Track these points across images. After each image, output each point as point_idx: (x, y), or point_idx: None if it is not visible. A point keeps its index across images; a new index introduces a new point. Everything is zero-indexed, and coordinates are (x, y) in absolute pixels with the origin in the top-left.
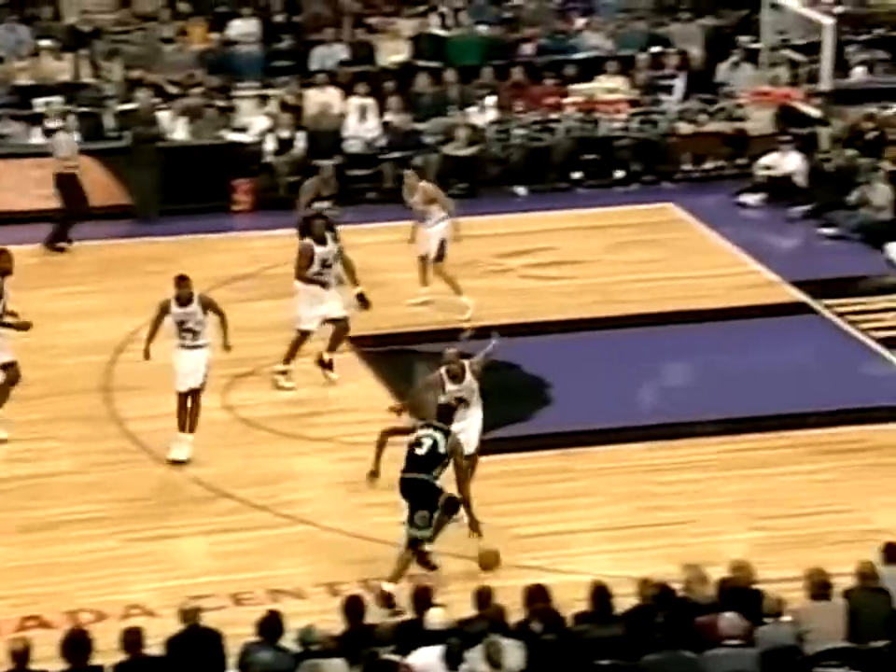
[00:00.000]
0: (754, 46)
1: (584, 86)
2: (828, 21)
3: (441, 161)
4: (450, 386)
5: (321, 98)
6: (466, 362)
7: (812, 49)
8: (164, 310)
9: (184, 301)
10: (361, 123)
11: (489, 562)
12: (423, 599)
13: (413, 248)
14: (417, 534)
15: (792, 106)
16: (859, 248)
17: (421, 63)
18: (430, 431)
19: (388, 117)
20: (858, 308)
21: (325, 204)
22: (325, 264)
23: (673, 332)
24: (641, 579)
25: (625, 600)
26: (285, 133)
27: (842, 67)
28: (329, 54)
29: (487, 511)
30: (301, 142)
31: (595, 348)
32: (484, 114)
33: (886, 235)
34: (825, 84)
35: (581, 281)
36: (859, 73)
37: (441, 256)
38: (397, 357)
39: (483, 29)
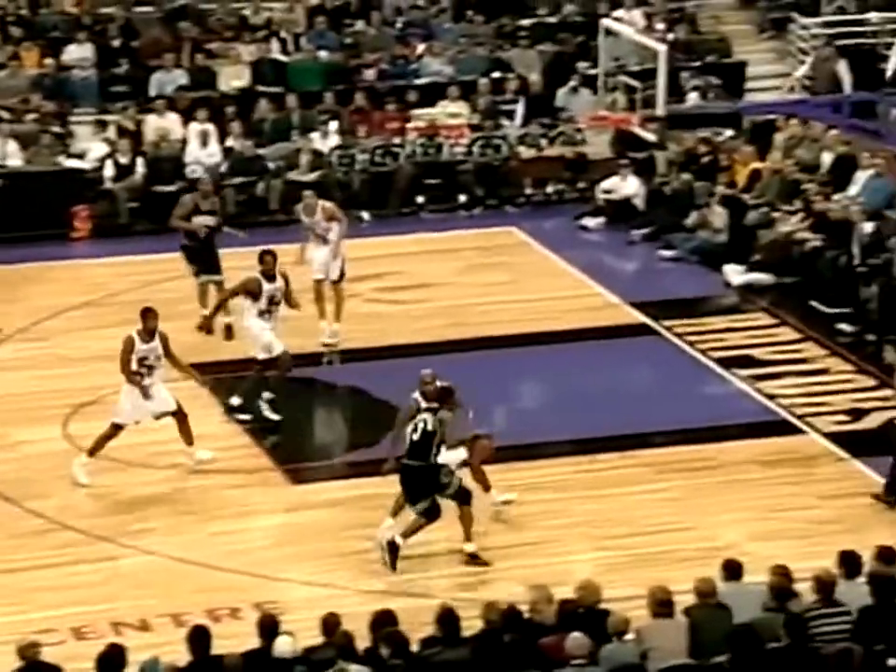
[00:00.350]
0: (592, 71)
1: (426, 111)
2: (661, 48)
3: (284, 187)
4: (424, 405)
5: (161, 124)
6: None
7: (647, 75)
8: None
9: (148, 336)
10: (202, 149)
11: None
12: (269, 627)
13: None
14: (452, 490)
15: (630, 131)
16: (697, 270)
17: (262, 88)
18: (424, 415)
19: (230, 142)
20: (697, 329)
21: (207, 220)
22: (272, 301)
23: (521, 354)
24: (487, 602)
25: (474, 623)
26: (124, 160)
27: (676, 93)
28: (168, 79)
29: (339, 535)
30: (140, 168)
31: (443, 371)
32: (327, 139)
33: (722, 257)
34: (660, 109)
35: (429, 304)
36: (692, 98)
37: (343, 275)
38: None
39: (323, 54)
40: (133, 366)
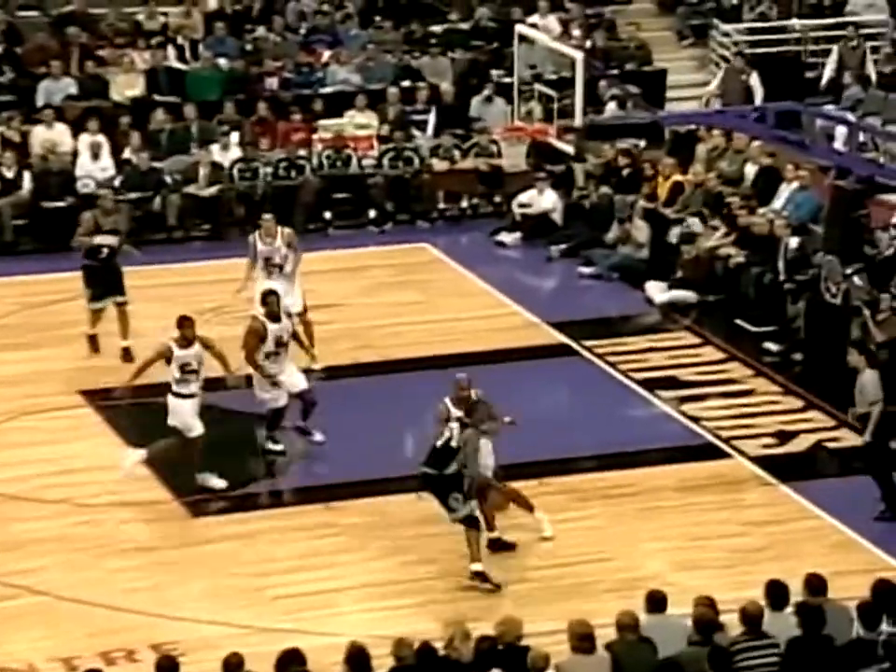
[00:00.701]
0: (506, 80)
1: (333, 122)
2: (578, 56)
3: (183, 202)
4: (454, 412)
5: (48, 135)
6: (475, 392)
7: (564, 84)
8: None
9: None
10: (94, 162)
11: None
12: (168, 670)
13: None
14: (461, 515)
15: (546, 142)
16: (617, 287)
17: (158, 97)
18: (454, 425)
19: (125, 155)
20: (618, 349)
21: (108, 240)
22: (279, 342)
23: (434, 378)
24: (398, 638)
25: (386, 662)
26: (9, 174)
27: (595, 102)
28: (56, 88)
29: (242, 571)
30: (27, 182)
31: (352, 396)
32: (227, 152)
33: (644, 274)
34: (578, 120)
35: (336, 326)
36: (611, 108)
37: (305, 307)
38: (137, 411)
39: (223, 62)
40: (177, 373)
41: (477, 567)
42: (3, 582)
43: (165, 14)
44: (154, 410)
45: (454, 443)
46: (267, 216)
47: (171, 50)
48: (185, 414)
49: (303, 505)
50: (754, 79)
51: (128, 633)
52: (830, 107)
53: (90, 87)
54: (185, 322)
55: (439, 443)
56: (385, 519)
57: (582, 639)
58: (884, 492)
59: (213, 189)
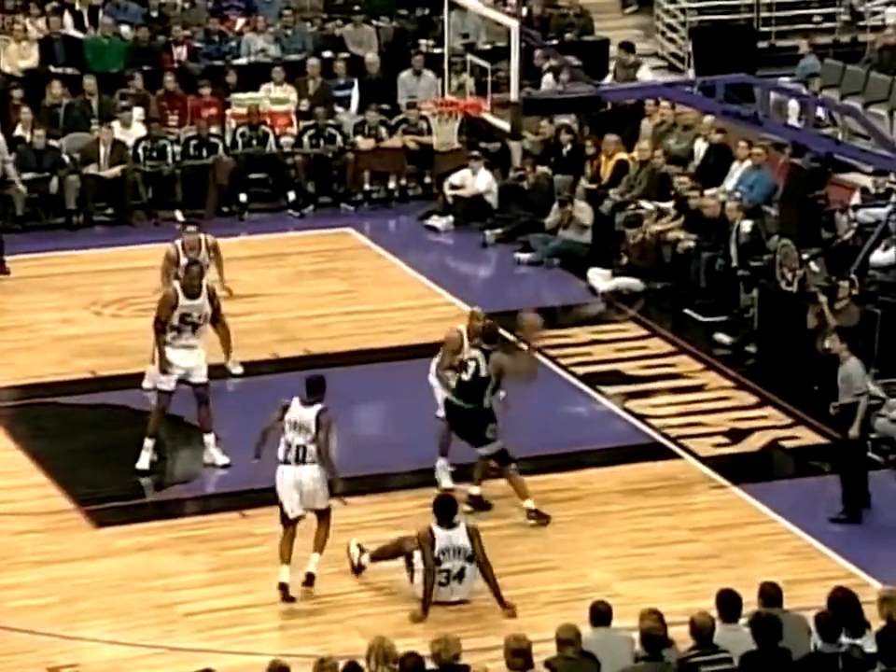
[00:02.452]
0: (436, 51)
1: (248, 96)
2: (514, 24)
3: (83, 184)
4: (468, 346)
5: None
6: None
7: (499, 55)
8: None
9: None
10: None
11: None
12: None
13: None
14: (496, 449)
15: (480, 118)
16: (558, 275)
17: (54, 69)
18: (475, 353)
19: (18, 132)
20: (558, 342)
21: None
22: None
23: (359, 373)
24: (321, 658)
25: None
26: None
27: (532, 75)
28: None
29: (151, 585)
30: None
31: (273, 393)
32: (131, 129)
33: (586, 260)
34: (514, 94)
35: (254, 318)
36: (548, 80)
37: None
38: (35, 411)
39: (125, 30)
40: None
41: (529, 503)
42: None
43: None
44: (46, 411)
45: (483, 373)
46: (191, 228)
47: (67, 17)
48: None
49: (215, 514)
50: (645, 73)
51: (23, 655)
52: (784, 80)
53: None
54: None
55: (466, 377)
56: (303, 528)
57: (517, 655)
58: (846, 492)
59: (116, 170)
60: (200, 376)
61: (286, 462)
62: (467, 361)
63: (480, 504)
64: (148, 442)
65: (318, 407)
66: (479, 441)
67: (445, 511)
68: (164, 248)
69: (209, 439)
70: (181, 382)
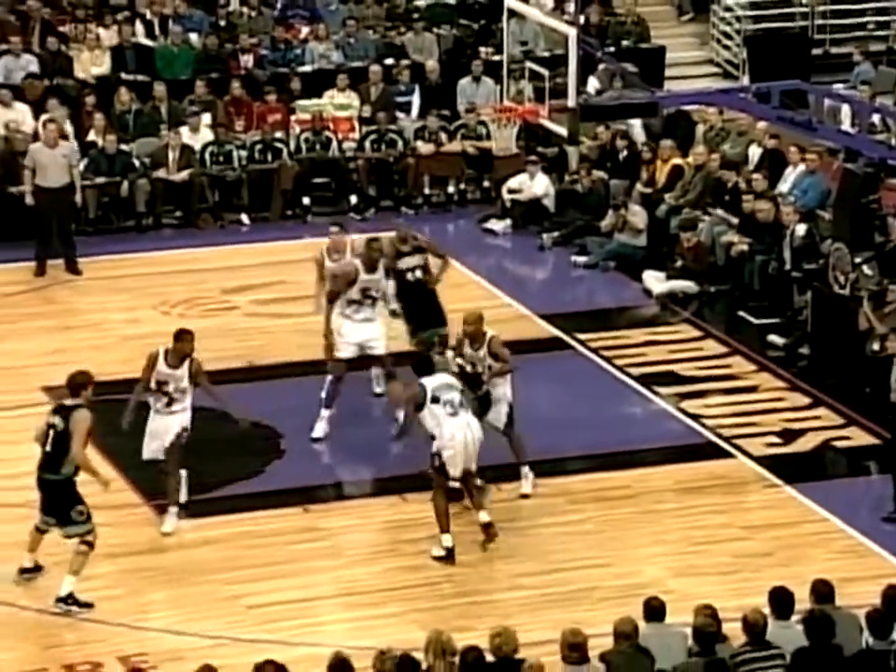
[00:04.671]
0: (495, 58)
1: (312, 102)
2: (572, 32)
3: (152, 187)
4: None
5: (8, 116)
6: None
7: (557, 62)
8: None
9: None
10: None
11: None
12: None
13: None
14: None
15: (538, 124)
16: (613, 278)
17: (125, 76)
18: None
19: (91, 137)
20: (614, 343)
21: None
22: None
23: None
24: (379, 650)
25: None
26: None
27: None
28: (16, 66)
29: (217, 578)
30: None
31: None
32: (199, 134)
33: (641, 263)
34: (572, 100)
35: (314, 318)
36: (595, 87)
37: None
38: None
39: (194, 38)
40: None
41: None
42: None
43: None
44: (115, 408)
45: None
46: (333, 227)
47: (139, 26)
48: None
49: (280, 508)
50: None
51: (94, 644)
52: (838, 86)
53: (52, 64)
54: (183, 336)
55: (480, 393)
56: (365, 523)
57: (573, 649)
58: None
59: (184, 174)
60: (379, 348)
61: None
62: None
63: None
64: (325, 412)
65: None
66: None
67: (423, 369)
68: (227, 251)
69: (400, 415)
70: (362, 357)
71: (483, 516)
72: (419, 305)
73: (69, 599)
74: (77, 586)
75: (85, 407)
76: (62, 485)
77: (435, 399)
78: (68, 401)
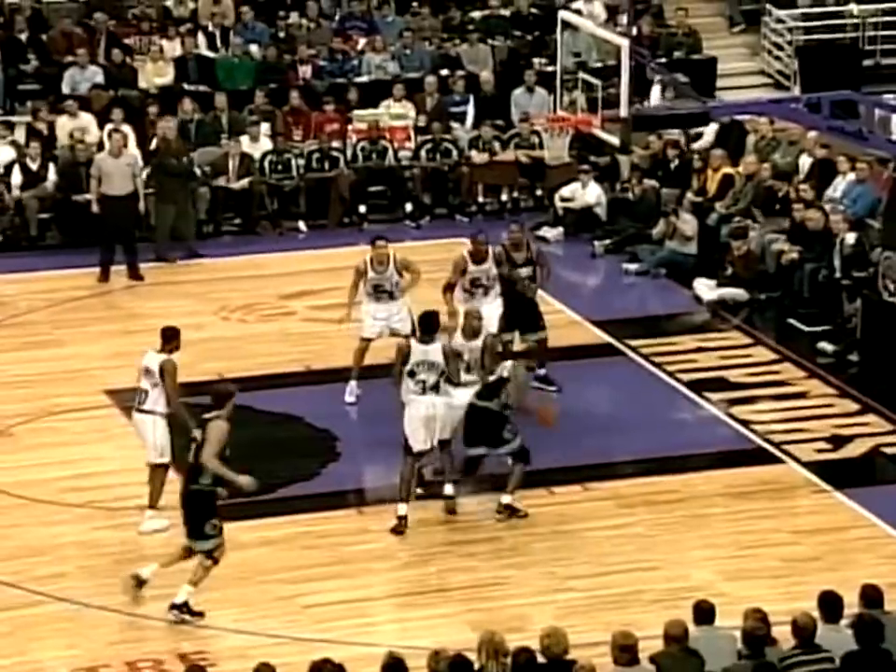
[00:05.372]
0: (549, 69)
1: (368, 112)
2: (624, 43)
3: (213, 195)
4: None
5: (74, 125)
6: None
7: (609, 73)
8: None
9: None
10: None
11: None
12: None
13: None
14: (516, 446)
15: (590, 133)
16: (664, 285)
17: (187, 86)
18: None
19: (154, 145)
20: (665, 349)
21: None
22: (475, 283)
23: None
24: (433, 650)
25: None
26: (33, 165)
27: (641, 92)
28: (82, 77)
29: (274, 578)
30: (52, 174)
31: (385, 397)
32: (258, 143)
33: (692, 271)
34: (624, 110)
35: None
36: (655, 94)
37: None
38: None
39: (255, 49)
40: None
41: (507, 499)
42: (25, 588)
43: (195, 0)
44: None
45: (505, 374)
46: (380, 241)
47: (201, 38)
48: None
49: (334, 510)
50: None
51: (154, 642)
52: (889, 97)
53: (117, 75)
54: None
55: (492, 378)
56: (417, 525)
57: (624, 650)
58: None
59: (243, 182)
60: (492, 326)
61: None
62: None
63: (513, 511)
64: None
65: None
66: (497, 445)
67: (427, 326)
68: (286, 257)
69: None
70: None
71: (505, 497)
72: (520, 310)
73: (183, 608)
74: (194, 598)
75: (222, 418)
76: (201, 496)
77: (412, 374)
78: (208, 415)
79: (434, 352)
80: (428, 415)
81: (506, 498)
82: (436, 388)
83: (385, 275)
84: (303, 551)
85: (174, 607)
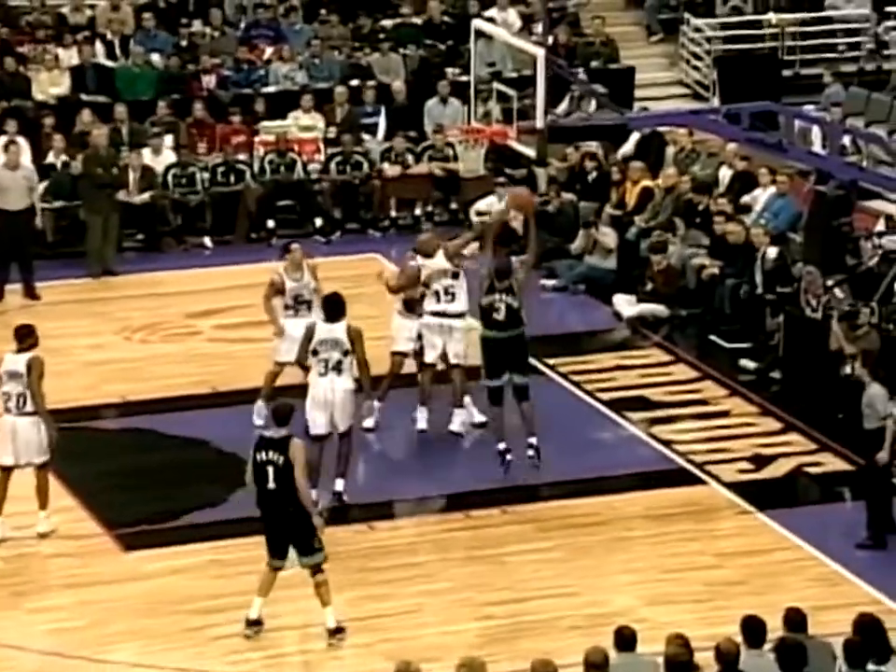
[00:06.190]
0: (463, 79)
1: (276, 123)
2: (540, 53)
3: (118, 209)
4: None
5: None
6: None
7: (524, 83)
8: None
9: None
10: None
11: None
12: None
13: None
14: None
15: (506, 145)
16: (583, 301)
17: (85, 97)
18: (500, 296)
19: (49, 159)
20: (584, 367)
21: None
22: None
23: (389, 399)
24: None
25: None
26: None
27: (557, 103)
28: None
29: (182, 609)
30: None
31: (295, 419)
32: (161, 156)
33: (611, 286)
34: (540, 121)
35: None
36: (566, 107)
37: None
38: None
39: (156, 58)
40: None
41: (534, 440)
42: None
43: (92, 7)
44: (76, 435)
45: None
46: (294, 244)
47: (99, 46)
48: None
49: (244, 537)
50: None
51: None
52: (809, 108)
53: (10, 85)
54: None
55: (502, 315)
56: (332, 552)
57: None
58: (872, 517)
59: (145, 197)
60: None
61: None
62: (496, 304)
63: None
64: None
65: None
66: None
67: (331, 309)
68: (191, 275)
69: (468, 399)
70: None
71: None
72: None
73: (341, 630)
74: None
75: (295, 436)
76: (302, 514)
77: (314, 352)
78: (276, 434)
79: (338, 330)
80: (326, 399)
81: (533, 439)
82: (338, 368)
83: (303, 282)
84: (212, 580)
85: (333, 633)
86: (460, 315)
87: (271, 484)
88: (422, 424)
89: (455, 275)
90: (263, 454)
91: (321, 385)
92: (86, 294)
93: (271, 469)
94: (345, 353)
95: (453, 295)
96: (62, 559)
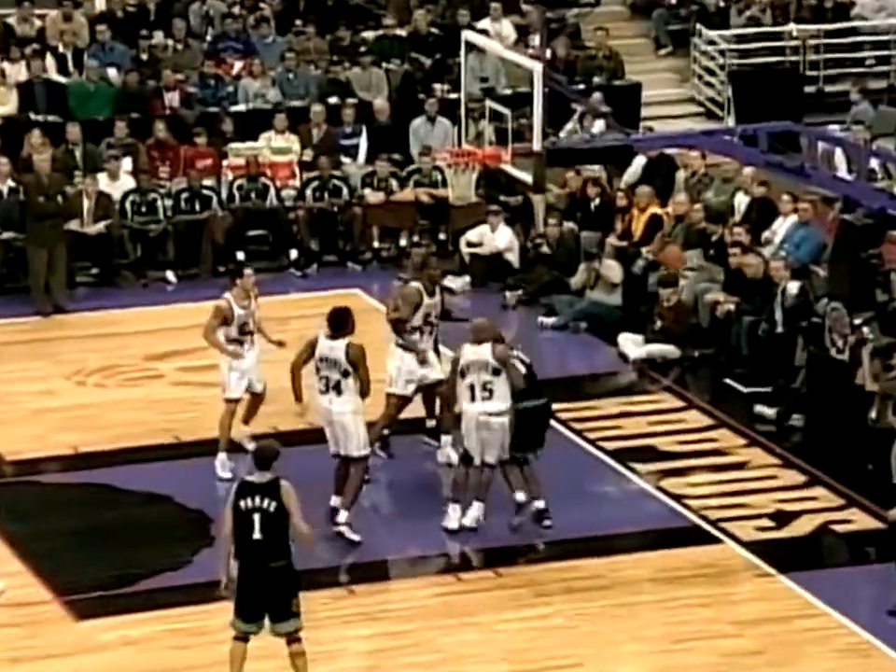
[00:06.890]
0: (452, 96)
1: (246, 145)
2: (538, 68)
3: (65, 241)
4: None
5: None
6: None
7: (520, 101)
8: None
9: None
10: None
11: None
12: None
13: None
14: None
15: (500, 169)
16: (585, 340)
17: (34, 116)
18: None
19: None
20: (586, 414)
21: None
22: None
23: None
24: None
25: None
26: None
27: (556, 123)
28: None
29: None
30: None
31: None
32: (118, 181)
33: (616, 324)
34: (537, 143)
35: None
36: (568, 127)
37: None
38: (11, 490)
39: (113, 74)
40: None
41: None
42: None
43: (42, 17)
44: (23, 490)
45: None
46: (248, 270)
47: (49, 60)
48: None
49: (208, 604)
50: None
51: None
52: (834, 128)
53: None
54: None
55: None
56: (309, 619)
57: None
58: None
59: (100, 226)
60: (436, 374)
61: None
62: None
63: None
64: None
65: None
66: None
67: (333, 323)
68: (151, 312)
69: (446, 439)
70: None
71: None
72: None
73: None
74: None
75: (283, 479)
76: (287, 572)
77: (317, 369)
78: (261, 478)
79: (337, 349)
80: (326, 419)
81: (541, 504)
82: (337, 389)
83: (250, 310)
84: (173, 651)
85: None
86: (500, 414)
87: (256, 534)
88: (453, 523)
89: (497, 372)
90: (248, 500)
91: (322, 402)
92: (34, 334)
93: (257, 517)
94: (345, 373)
95: (490, 392)
96: (7, 629)
